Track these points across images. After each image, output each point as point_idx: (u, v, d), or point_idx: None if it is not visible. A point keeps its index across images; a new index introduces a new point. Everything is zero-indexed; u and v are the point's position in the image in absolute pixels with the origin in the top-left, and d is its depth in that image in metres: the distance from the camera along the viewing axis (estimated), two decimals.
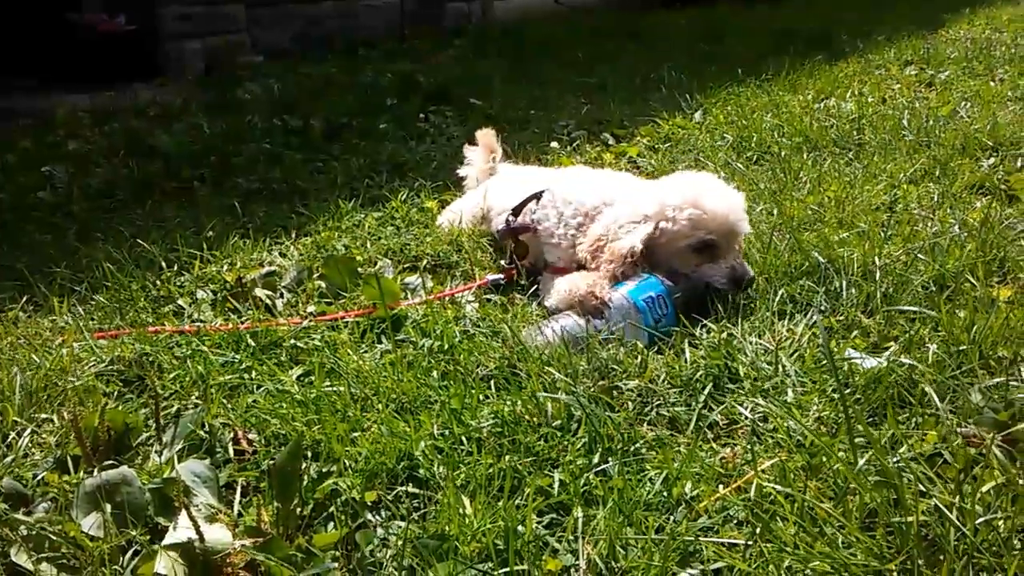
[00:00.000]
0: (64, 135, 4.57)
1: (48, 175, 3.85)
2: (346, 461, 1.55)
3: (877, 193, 2.79)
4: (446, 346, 1.95)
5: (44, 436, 1.72)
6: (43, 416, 1.77)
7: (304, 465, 1.55)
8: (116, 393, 1.91)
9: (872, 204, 2.69)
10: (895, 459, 1.31)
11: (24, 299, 2.38)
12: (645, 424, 1.65)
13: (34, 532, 1.37)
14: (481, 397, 1.73)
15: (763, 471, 1.38)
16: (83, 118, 4.97)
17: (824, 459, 1.38)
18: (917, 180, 2.96)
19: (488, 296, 2.28)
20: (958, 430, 1.39)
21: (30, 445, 1.68)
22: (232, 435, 1.69)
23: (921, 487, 1.24)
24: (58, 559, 1.34)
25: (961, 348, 1.66)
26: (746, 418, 1.60)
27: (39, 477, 1.57)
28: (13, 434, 1.70)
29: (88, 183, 3.75)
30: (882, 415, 1.54)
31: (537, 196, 2.42)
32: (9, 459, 1.61)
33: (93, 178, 3.82)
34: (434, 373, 1.84)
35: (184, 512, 1.35)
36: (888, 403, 1.52)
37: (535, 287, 2.31)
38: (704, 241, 2.04)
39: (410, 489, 1.49)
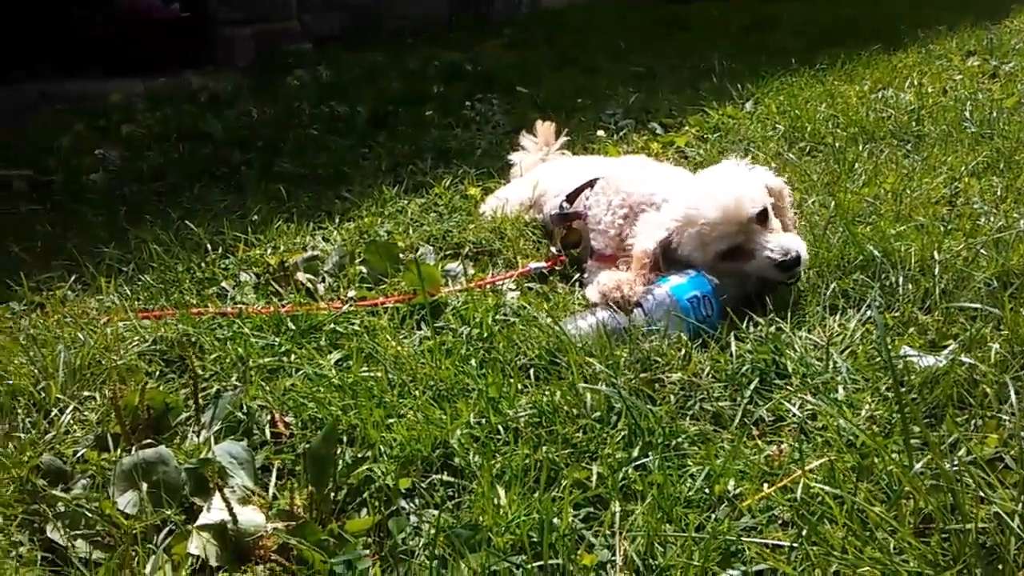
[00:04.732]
0: (117, 119, 4.65)
1: (101, 158, 3.91)
2: (381, 447, 1.53)
3: (937, 186, 2.68)
4: (485, 334, 1.92)
5: (86, 413, 1.73)
6: (86, 394, 1.78)
7: (340, 450, 1.54)
8: (158, 373, 1.92)
9: (931, 197, 2.58)
10: (953, 462, 1.24)
11: (73, 278, 2.42)
12: (688, 418, 1.60)
13: (70, 509, 1.38)
14: (520, 387, 1.70)
15: (810, 471, 1.32)
16: (136, 103, 5.05)
17: (876, 460, 1.32)
18: (979, 173, 2.84)
19: (529, 284, 2.25)
20: (1022, 433, 1.32)
21: (72, 422, 1.70)
22: (269, 418, 1.69)
23: (980, 493, 1.17)
24: (93, 536, 1.35)
25: None
26: (794, 415, 1.54)
27: (79, 454, 1.58)
28: (56, 411, 1.71)
29: (140, 166, 3.81)
30: (939, 416, 1.47)
31: (592, 183, 2.38)
32: (50, 435, 1.63)
33: (144, 161, 3.87)
34: (472, 361, 1.81)
35: (218, 494, 1.35)
36: (947, 404, 1.45)
37: (577, 277, 2.27)
38: (721, 252, 1.97)
39: (445, 477, 1.47)
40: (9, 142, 4.23)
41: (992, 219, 2.33)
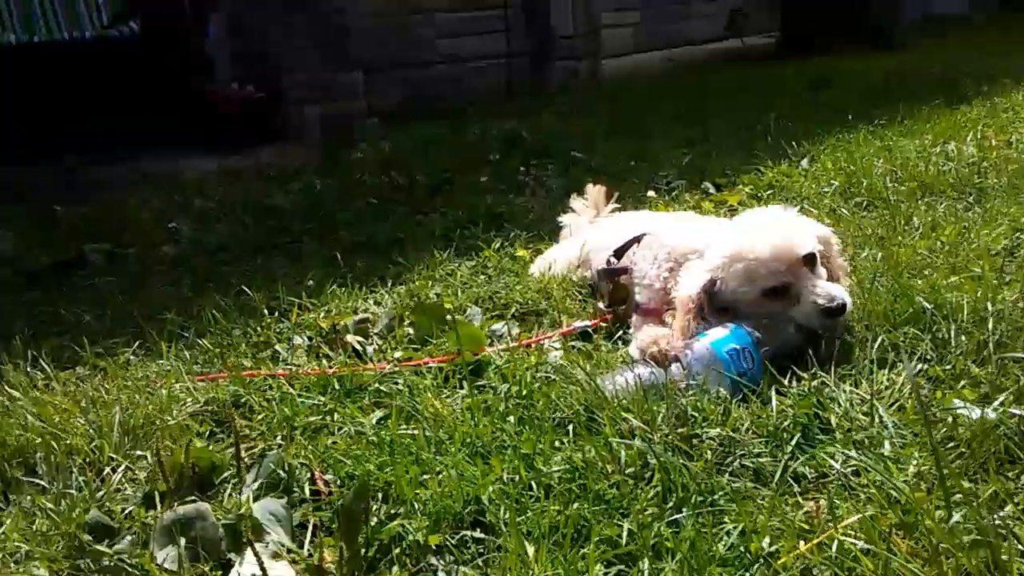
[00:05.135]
0: (192, 195, 4.88)
1: (174, 231, 4.11)
2: (415, 503, 1.54)
3: (996, 237, 2.60)
4: (524, 392, 1.93)
5: (137, 472, 1.79)
6: (138, 453, 1.84)
7: (375, 507, 1.55)
8: (208, 433, 1.97)
9: (990, 249, 2.50)
10: (994, 517, 1.18)
11: (136, 344, 2.52)
12: (727, 475, 1.56)
13: (112, 564, 1.42)
14: (556, 443, 1.69)
15: (849, 527, 1.27)
16: (210, 179, 5.31)
17: (919, 517, 1.27)
18: None
19: (573, 343, 2.25)
20: None
21: (123, 480, 1.76)
22: (309, 475, 1.72)
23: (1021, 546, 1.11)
24: None
25: None
26: (836, 471, 1.49)
27: (127, 511, 1.64)
28: (108, 469, 1.78)
29: (209, 239, 3.98)
30: (989, 471, 1.40)
31: (639, 239, 2.39)
32: (101, 493, 1.68)
33: (213, 234, 4.05)
34: (511, 418, 1.82)
35: (250, 548, 1.37)
36: (991, 457, 1.39)
37: (621, 334, 2.26)
38: (767, 290, 1.94)
39: (476, 534, 1.46)
40: (96, 217, 4.50)
41: None
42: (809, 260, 1.95)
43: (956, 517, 1.15)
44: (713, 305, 2.01)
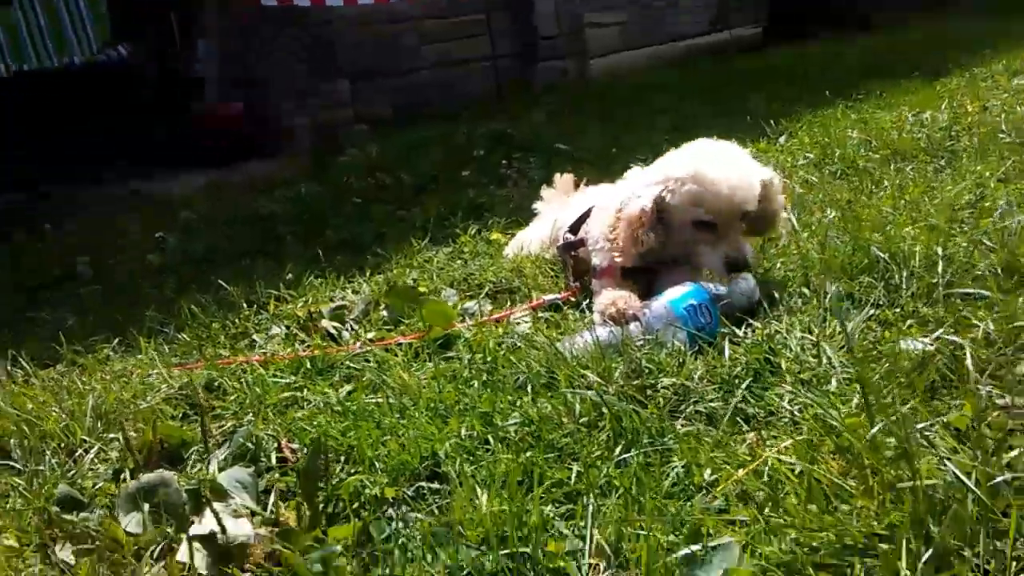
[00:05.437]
0: (179, 208, 4.94)
1: (159, 240, 4.17)
2: (375, 463, 1.57)
3: (960, 192, 2.63)
4: (489, 358, 1.96)
5: (109, 453, 1.83)
6: (110, 436, 1.88)
7: (336, 468, 1.59)
8: (182, 415, 2.01)
9: (953, 203, 2.53)
10: (912, 430, 1.21)
11: (116, 341, 2.57)
12: (680, 419, 1.59)
13: (79, 531, 1.46)
14: (516, 402, 1.72)
15: (783, 451, 1.30)
16: (200, 194, 5.38)
17: (850, 439, 1.29)
18: (1009, 179, 2.76)
19: (541, 315, 2.28)
20: (997, 401, 1.27)
21: (95, 461, 1.80)
22: (276, 445, 1.75)
23: (941, 454, 1.14)
24: (100, 555, 1.42)
25: (1016, 324, 1.53)
26: (785, 409, 1.52)
27: (98, 486, 1.68)
28: (80, 451, 1.82)
29: (195, 248, 4.04)
30: (929, 398, 1.43)
31: (589, 212, 2.43)
32: (72, 472, 1.72)
33: (200, 242, 4.11)
34: (474, 383, 1.85)
35: (208, 508, 1.41)
36: (922, 383, 1.41)
37: (587, 302, 2.29)
38: (701, 221, 1.98)
39: (432, 485, 1.49)
40: (87, 235, 4.56)
41: (1013, 219, 2.26)
42: (744, 216, 2.01)
43: (874, 430, 1.18)
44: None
